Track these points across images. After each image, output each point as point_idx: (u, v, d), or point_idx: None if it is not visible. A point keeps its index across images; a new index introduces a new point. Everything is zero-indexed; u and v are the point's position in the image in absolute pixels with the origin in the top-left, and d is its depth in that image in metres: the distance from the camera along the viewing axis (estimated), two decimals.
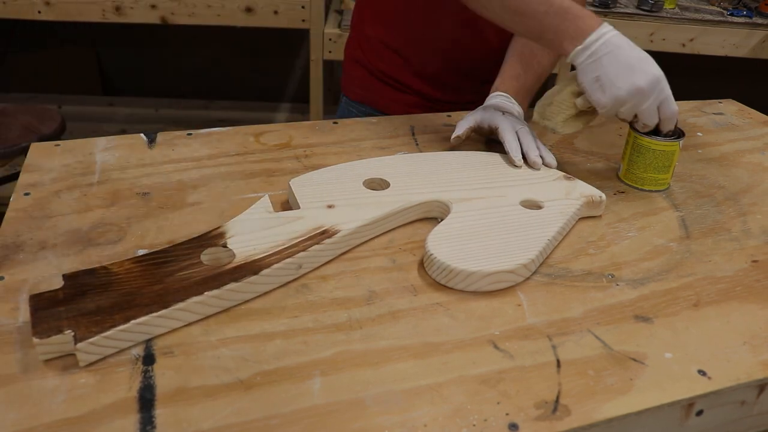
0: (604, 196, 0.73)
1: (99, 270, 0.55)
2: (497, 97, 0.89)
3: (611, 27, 0.73)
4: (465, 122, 0.85)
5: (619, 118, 0.74)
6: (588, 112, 0.77)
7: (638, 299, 0.60)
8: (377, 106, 1.09)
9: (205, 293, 0.53)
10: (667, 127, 0.76)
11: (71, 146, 0.82)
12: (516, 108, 0.88)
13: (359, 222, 0.65)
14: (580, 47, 0.71)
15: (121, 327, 0.50)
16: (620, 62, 0.70)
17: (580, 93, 0.75)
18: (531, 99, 0.93)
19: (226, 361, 0.50)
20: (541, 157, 0.79)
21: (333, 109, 2.71)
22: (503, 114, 0.84)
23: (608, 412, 0.48)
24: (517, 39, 0.96)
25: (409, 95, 1.06)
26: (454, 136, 0.84)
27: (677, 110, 0.73)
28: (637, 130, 0.78)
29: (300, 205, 0.67)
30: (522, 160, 0.79)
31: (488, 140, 0.88)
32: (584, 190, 0.74)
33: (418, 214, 0.71)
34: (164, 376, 0.48)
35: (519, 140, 0.80)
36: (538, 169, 0.78)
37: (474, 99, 1.02)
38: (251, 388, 0.48)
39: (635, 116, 0.73)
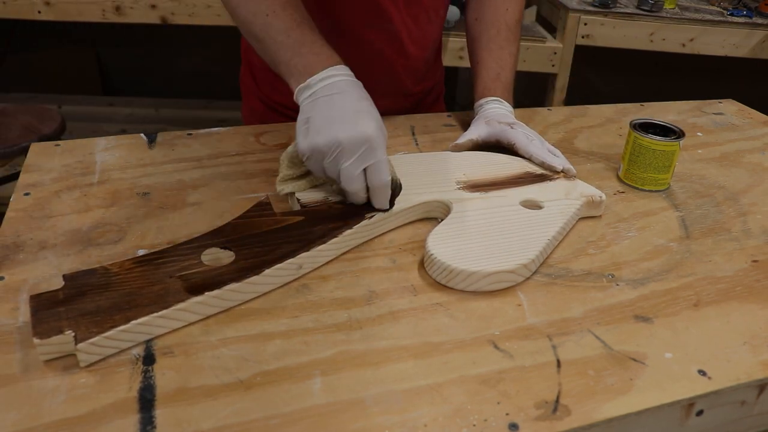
0: (604, 196, 0.73)
1: (99, 270, 0.55)
2: (490, 104, 0.88)
3: (347, 71, 0.66)
4: (469, 135, 0.84)
5: (327, 176, 0.64)
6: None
7: (638, 299, 0.60)
8: None
9: (206, 293, 0.53)
10: (378, 200, 0.64)
11: (71, 146, 0.82)
12: (509, 109, 0.88)
13: (359, 222, 0.65)
14: (303, 85, 0.65)
15: (122, 327, 0.50)
16: (334, 109, 0.62)
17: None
18: (513, 91, 0.93)
19: (226, 361, 0.50)
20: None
21: None
22: (511, 127, 0.82)
23: (608, 412, 0.48)
24: (479, 36, 0.93)
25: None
26: (453, 144, 0.84)
27: (388, 182, 0.63)
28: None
29: (300, 205, 0.67)
30: (573, 169, 0.77)
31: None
32: (584, 190, 0.74)
33: (418, 214, 0.71)
34: (164, 376, 0.48)
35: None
36: (575, 174, 0.77)
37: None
38: (251, 388, 0.48)
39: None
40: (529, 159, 0.80)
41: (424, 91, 1.04)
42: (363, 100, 0.64)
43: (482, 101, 0.89)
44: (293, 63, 0.66)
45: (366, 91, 0.66)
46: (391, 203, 0.66)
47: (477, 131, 0.84)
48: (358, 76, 0.91)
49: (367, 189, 0.64)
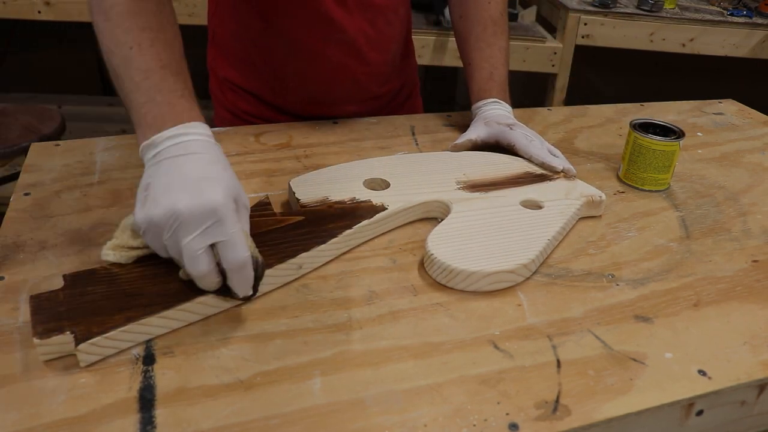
0: (604, 196, 0.73)
1: (99, 270, 0.55)
2: (488, 105, 0.87)
3: (204, 129, 0.56)
4: (468, 135, 0.84)
5: (173, 258, 0.54)
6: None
7: (638, 299, 0.60)
8: None
9: (206, 293, 0.53)
10: (237, 284, 0.52)
11: (71, 146, 0.82)
12: (507, 109, 0.88)
13: (359, 222, 0.65)
14: (147, 142, 0.55)
15: (122, 327, 0.50)
16: (178, 173, 0.52)
17: None
18: (508, 86, 0.92)
19: (226, 361, 0.50)
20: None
21: None
22: (510, 128, 0.82)
23: (608, 412, 0.48)
24: (467, 35, 0.92)
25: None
26: (452, 144, 0.84)
27: (246, 259, 0.51)
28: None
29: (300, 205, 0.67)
30: (573, 169, 0.77)
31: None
32: (584, 190, 0.74)
33: (418, 214, 0.71)
34: (164, 376, 0.48)
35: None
36: (575, 174, 0.77)
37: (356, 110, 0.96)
38: (251, 388, 0.48)
39: None
40: (528, 160, 0.80)
41: (391, 92, 1.02)
42: (214, 164, 0.54)
43: (480, 103, 0.89)
44: (144, 111, 0.56)
45: (222, 153, 0.57)
46: (255, 288, 0.53)
47: (476, 132, 0.84)
48: (319, 88, 0.91)
49: (222, 272, 0.52)
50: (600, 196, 0.73)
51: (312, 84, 0.91)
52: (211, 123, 1.06)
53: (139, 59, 0.56)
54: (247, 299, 0.54)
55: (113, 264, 0.56)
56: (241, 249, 0.51)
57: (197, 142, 0.55)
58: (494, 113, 0.86)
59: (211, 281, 0.52)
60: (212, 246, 0.51)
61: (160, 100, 0.55)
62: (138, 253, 0.56)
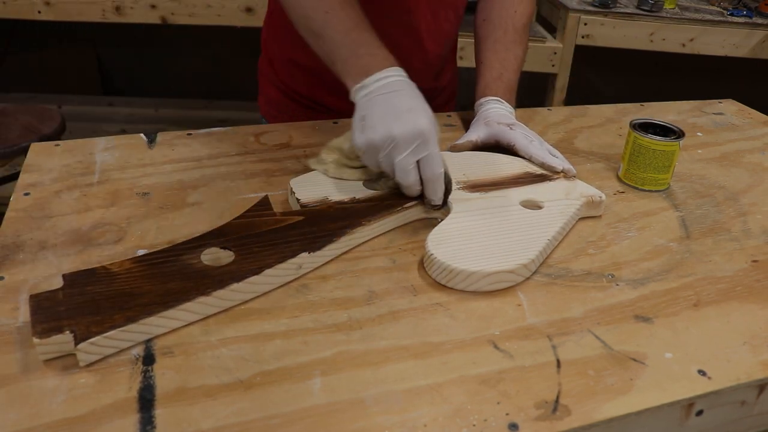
0: (604, 196, 0.73)
1: (99, 270, 0.55)
2: (490, 104, 0.87)
3: (402, 72, 0.68)
4: (468, 136, 0.84)
5: (383, 170, 0.67)
6: (357, 165, 0.72)
7: (638, 299, 0.60)
8: None
9: (206, 293, 0.53)
10: (432, 192, 0.66)
11: (71, 146, 0.82)
12: (508, 108, 0.88)
13: (359, 222, 0.65)
14: (359, 85, 0.67)
15: (121, 327, 0.50)
16: (389, 106, 0.65)
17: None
18: (516, 93, 0.92)
19: (226, 361, 0.50)
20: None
21: None
22: (510, 128, 0.82)
23: (608, 412, 0.48)
24: (486, 37, 0.93)
25: (326, 115, 0.99)
26: (452, 145, 0.83)
27: (441, 173, 0.65)
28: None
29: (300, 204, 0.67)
30: (573, 169, 0.77)
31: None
32: (584, 190, 0.74)
33: (418, 215, 0.71)
34: (164, 376, 0.48)
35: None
36: (575, 175, 0.77)
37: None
38: (251, 388, 0.48)
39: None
40: (528, 159, 0.80)
41: (437, 88, 1.04)
42: (416, 98, 0.67)
43: (482, 100, 0.89)
44: (350, 63, 0.69)
45: (418, 90, 0.68)
46: (444, 199, 0.67)
47: (476, 132, 0.84)
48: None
49: (421, 182, 0.66)
50: (600, 197, 0.73)
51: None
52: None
53: (336, 21, 0.69)
54: (438, 207, 0.68)
55: (113, 263, 0.56)
56: (438, 165, 0.64)
57: (399, 81, 0.67)
58: (495, 112, 0.86)
59: (416, 190, 0.66)
60: (417, 161, 0.64)
61: (362, 52, 0.68)
62: (353, 169, 0.71)
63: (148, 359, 0.50)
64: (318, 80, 0.97)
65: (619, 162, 0.85)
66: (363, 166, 0.71)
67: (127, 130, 2.45)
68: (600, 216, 0.74)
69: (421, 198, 0.68)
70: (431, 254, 0.60)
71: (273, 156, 0.83)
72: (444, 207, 0.68)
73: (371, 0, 0.85)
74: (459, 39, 1.07)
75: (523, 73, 0.96)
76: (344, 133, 0.74)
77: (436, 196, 0.66)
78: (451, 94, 1.11)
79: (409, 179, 0.65)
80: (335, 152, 0.73)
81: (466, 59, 1.62)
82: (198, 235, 0.62)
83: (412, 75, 0.94)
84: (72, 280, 0.54)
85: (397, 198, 0.69)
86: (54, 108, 1.85)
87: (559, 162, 0.78)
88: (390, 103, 0.65)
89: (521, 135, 0.81)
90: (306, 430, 0.45)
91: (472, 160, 0.80)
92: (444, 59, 1.00)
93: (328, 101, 0.99)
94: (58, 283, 0.55)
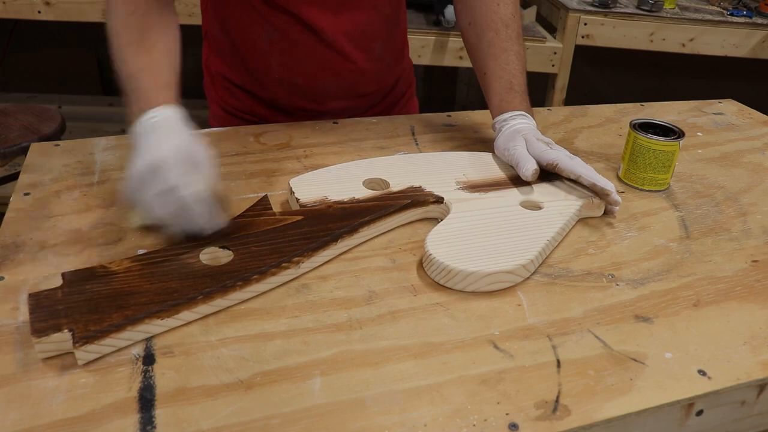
0: (613, 187, 0.73)
1: (98, 269, 0.55)
2: (516, 120, 0.80)
3: (168, 110, 0.65)
4: (526, 165, 0.74)
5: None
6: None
7: (638, 299, 0.60)
8: None
9: (205, 292, 0.53)
10: (193, 223, 0.60)
11: (71, 146, 0.82)
12: (532, 122, 0.81)
13: (359, 222, 0.65)
14: (130, 129, 0.66)
15: (120, 326, 0.50)
16: (151, 140, 0.62)
17: None
18: (527, 93, 0.86)
19: (226, 361, 0.50)
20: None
21: None
22: (550, 147, 0.76)
23: (608, 412, 0.48)
24: (478, 43, 0.86)
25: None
26: (531, 170, 0.73)
27: (193, 197, 0.59)
28: None
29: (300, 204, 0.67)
30: (618, 198, 0.72)
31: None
32: (584, 190, 0.74)
33: (418, 215, 0.71)
34: (164, 376, 0.48)
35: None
36: (618, 203, 0.72)
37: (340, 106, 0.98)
38: (251, 388, 0.48)
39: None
40: (576, 180, 0.73)
41: (382, 89, 1.01)
42: (170, 126, 0.64)
43: (504, 116, 0.81)
44: (133, 98, 0.68)
45: (180, 125, 0.65)
46: (222, 228, 0.61)
47: (523, 150, 0.76)
48: (303, 82, 0.92)
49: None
50: (610, 189, 0.72)
51: (297, 77, 0.92)
52: (207, 122, 1.07)
53: (123, 69, 0.70)
54: (221, 234, 0.61)
55: (112, 263, 0.56)
56: (189, 185, 0.59)
57: (171, 119, 0.65)
58: (524, 127, 0.80)
59: (177, 223, 0.60)
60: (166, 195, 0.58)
61: (136, 97, 0.67)
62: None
63: (148, 359, 0.50)
64: (252, 97, 0.97)
65: (619, 162, 0.85)
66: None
67: (126, 130, 2.44)
68: (600, 216, 0.74)
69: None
70: (430, 254, 0.60)
71: (273, 156, 0.83)
72: (226, 233, 0.61)
73: (285, 21, 0.85)
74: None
75: None
76: None
77: (198, 222, 0.60)
78: (407, 89, 1.07)
79: (157, 213, 0.59)
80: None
81: (466, 59, 1.62)
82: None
83: (343, 83, 0.94)
84: (71, 278, 0.54)
85: (397, 198, 0.69)
86: (54, 108, 1.85)
87: (611, 185, 0.71)
88: (154, 137, 0.63)
89: (564, 155, 0.74)
90: (306, 430, 0.45)
91: (472, 160, 0.80)
92: (379, 61, 0.95)
93: (266, 114, 0.98)
94: (57, 283, 0.55)
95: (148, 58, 0.70)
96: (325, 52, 0.89)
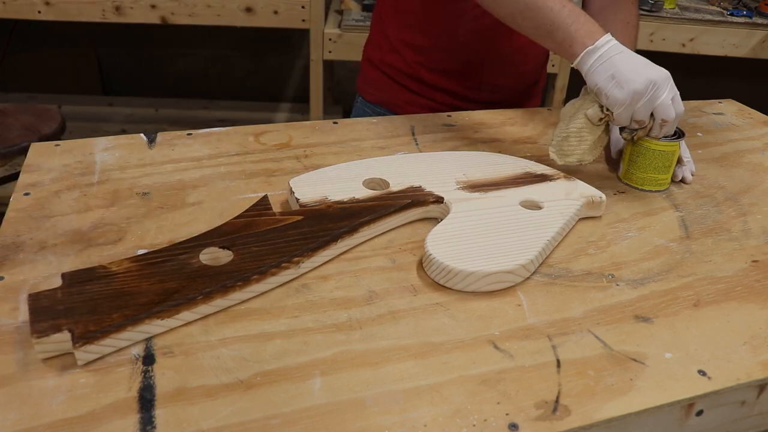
0: (604, 196, 0.73)
1: (98, 269, 0.55)
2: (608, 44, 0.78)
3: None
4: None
5: (635, 121, 0.73)
6: (602, 131, 0.77)
7: (638, 299, 0.60)
8: (392, 107, 1.09)
9: (204, 292, 0.53)
10: (671, 127, 0.75)
11: (71, 146, 0.82)
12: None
13: (359, 222, 0.65)
14: (591, 48, 0.72)
15: (120, 326, 0.50)
16: (632, 60, 0.71)
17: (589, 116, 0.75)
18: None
19: (226, 361, 0.50)
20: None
21: (333, 109, 2.70)
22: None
23: (608, 412, 0.48)
24: (588, 6, 0.98)
25: (424, 99, 1.06)
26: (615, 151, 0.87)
27: (682, 111, 0.73)
28: (649, 139, 0.77)
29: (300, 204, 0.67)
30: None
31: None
32: (584, 190, 0.74)
33: (418, 215, 0.71)
34: (164, 376, 0.48)
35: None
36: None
37: (492, 99, 1.04)
38: (251, 388, 0.48)
39: (651, 116, 0.73)
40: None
41: (531, 95, 1.09)
42: (640, 56, 0.74)
43: (599, 42, 0.78)
44: (574, 29, 0.74)
45: None
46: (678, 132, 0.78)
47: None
48: (484, 50, 1.01)
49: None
50: (600, 197, 0.73)
51: (459, 42, 0.98)
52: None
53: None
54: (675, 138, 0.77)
55: (112, 263, 0.56)
56: (680, 103, 0.73)
57: (619, 44, 0.73)
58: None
59: (671, 127, 0.74)
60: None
61: (584, 19, 0.74)
62: (594, 137, 0.76)
63: (148, 359, 0.50)
64: (426, 59, 1.03)
65: (619, 162, 0.85)
66: (601, 137, 0.77)
67: (127, 130, 2.45)
68: (600, 216, 0.74)
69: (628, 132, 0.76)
70: (430, 254, 0.60)
71: (273, 156, 0.83)
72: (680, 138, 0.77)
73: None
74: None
75: None
76: (559, 119, 0.79)
77: (673, 128, 0.75)
78: (539, 91, 1.16)
79: (671, 114, 0.72)
80: (582, 135, 0.76)
81: None
82: (197, 234, 0.62)
83: (517, 81, 1.04)
84: (71, 279, 0.54)
85: (397, 198, 0.69)
86: (54, 108, 1.86)
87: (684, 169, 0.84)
88: (630, 59, 0.72)
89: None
90: (306, 430, 0.45)
91: (472, 160, 0.80)
92: (540, 67, 1.08)
93: (431, 78, 1.04)
94: (57, 283, 0.55)
95: None
96: (495, 37, 0.97)
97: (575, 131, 0.76)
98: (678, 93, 0.72)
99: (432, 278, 0.61)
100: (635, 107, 0.72)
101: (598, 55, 0.72)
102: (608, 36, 0.73)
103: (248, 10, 1.93)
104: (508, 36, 0.97)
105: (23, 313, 0.53)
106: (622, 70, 0.71)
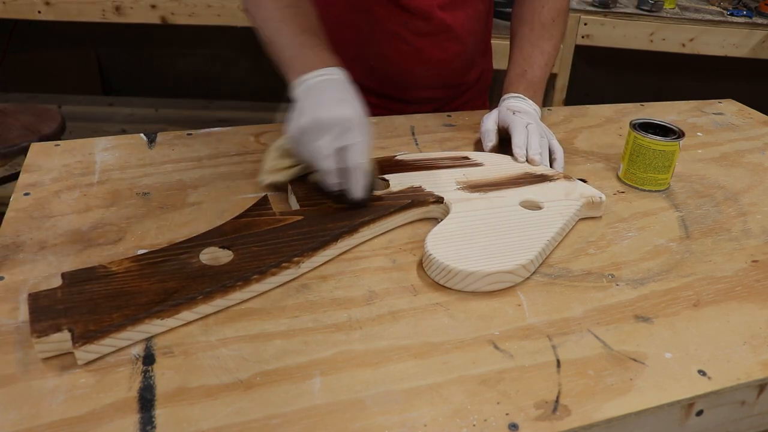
0: (604, 196, 0.73)
1: (98, 269, 0.55)
2: (509, 99, 0.89)
3: (340, 72, 0.70)
4: (489, 125, 0.86)
5: (309, 160, 0.67)
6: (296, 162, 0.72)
7: (638, 299, 0.60)
8: None
9: (204, 292, 0.53)
10: (352, 183, 0.65)
11: (71, 146, 0.82)
12: (530, 105, 0.88)
13: (359, 222, 0.65)
14: (299, 80, 0.70)
15: (120, 326, 0.50)
16: (322, 97, 0.67)
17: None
18: (544, 90, 0.94)
19: (226, 361, 0.50)
20: (551, 159, 0.81)
21: None
22: (514, 113, 0.84)
23: (608, 412, 0.48)
24: (514, 34, 0.95)
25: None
26: (489, 145, 0.84)
27: (362, 164, 0.64)
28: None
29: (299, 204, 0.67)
30: (524, 156, 0.80)
31: (505, 142, 0.87)
32: (584, 190, 0.74)
33: (418, 215, 0.71)
34: (164, 376, 0.48)
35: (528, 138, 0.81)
36: (536, 166, 0.79)
37: (418, 109, 1.02)
38: (251, 388, 0.48)
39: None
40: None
41: (466, 83, 1.06)
42: (349, 93, 0.68)
43: (504, 97, 0.90)
44: (294, 61, 0.72)
45: (353, 90, 0.69)
46: (366, 197, 0.66)
47: (492, 119, 0.86)
48: (396, 71, 0.97)
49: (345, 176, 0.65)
50: (600, 197, 0.73)
51: (390, 65, 0.96)
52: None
53: (285, 28, 0.74)
54: (359, 204, 0.66)
55: (112, 262, 0.56)
56: (360, 155, 0.64)
57: (336, 78, 0.69)
58: (509, 103, 0.88)
59: (333, 179, 0.65)
60: (339, 152, 0.64)
61: (307, 52, 0.72)
62: (289, 171, 0.71)
63: (148, 359, 0.50)
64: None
65: (619, 162, 0.85)
66: (293, 166, 0.72)
67: (127, 130, 2.45)
68: (600, 216, 0.74)
69: (339, 197, 0.67)
70: (430, 254, 0.60)
71: None
72: (364, 205, 0.67)
73: (384, 14, 0.90)
74: (492, 41, 1.08)
75: None
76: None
77: (356, 187, 0.65)
78: (483, 89, 1.13)
79: (325, 164, 0.64)
80: (273, 155, 0.73)
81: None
82: (197, 234, 0.62)
83: (433, 74, 0.98)
84: (71, 278, 0.54)
85: (397, 198, 0.69)
86: (54, 108, 1.85)
87: (522, 153, 0.80)
88: (323, 94, 0.67)
89: (519, 118, 0.82)
90: (306, 430, 0.45)
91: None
92: (469, 55, 1.02)
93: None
94: (57, 282, 0.55)
95: (309, 22, 0.75)
96: (420, 42, 0.93)
97: (272, 149, 0.73)
98: (356, 143, 0.63)
99: (432, 278, 0.61)
100: (305, 143, 0.65)
101: (303, 87, 0.69)
102: (325, 70, 0.69)
103: (248, 10, 1.93)
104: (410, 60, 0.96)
105: (23, 313, 0.53)
106: (306, 104, 0.66)
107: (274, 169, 0.72)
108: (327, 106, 0.65)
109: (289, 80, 0.72)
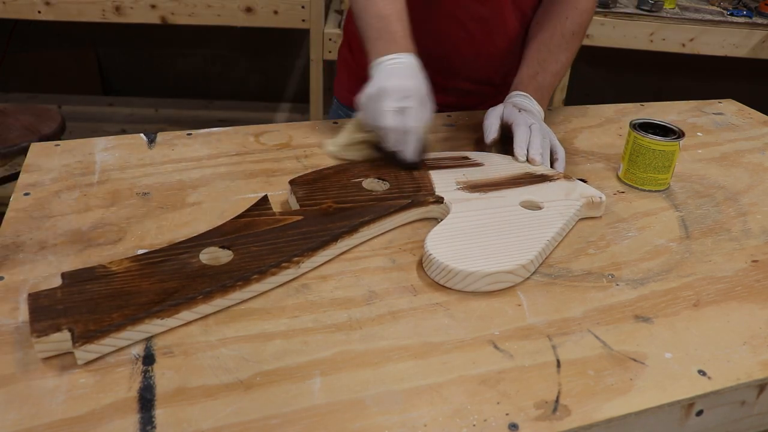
0: (604, 197, 0.73)
1: (98, 268, 0.55)
2: (516, 97, 0.89)
3: (412, 59, 0.77)
4: (492, 119, 0.86)
5: (373, 125, 0.75)
6: (370, 138, 0.79)
7: (638, 299, 0.60)
8: None
9: (204, 292, 0.53)
10: (404, 143, 0.74)
11: (71, 146, 0.82)
12: (535, 106, 0.88)
13: (358, 222, 0.65)
14: (377, 61, 0.77)
15: (120, 326, 0.50)
16: (391, 73, 0.75)
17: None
18: (550, 97, 0.94)
19: (226, 361, 0.50)
20: (553, 160, 0.81)
21: None
22: (520, 111, 0.84)
23: (608, 412, 0.48)
24: (533, 38, 0.96)
25: None
26: (491, 138, 0.84)
27: (416, 127, 0.73)
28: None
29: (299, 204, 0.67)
30: (524, 155, 0.80)
31: (506, 139, 0.87)
32: (584, 190, 0.74)
33: (418, 215, 0.71)
34: (164, 376, 0.48)
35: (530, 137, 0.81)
36: (536, 165, 0.79)
37: (458, 102, 1.03)
38: (251, 388, 0.48)
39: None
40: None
41: (507, 84, 1.05)
42: (417, 73, 0.76)
43: (512, 94, 0.90)
44: (375, 43, 0.79)
45: (422, 72, 0.77)
46: (418, 160, 0.75)
47: (495, 113, 0.86)
48: (445, 53, 0.99)
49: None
50: (600, 197, 0.73)
51: (441, 46, 0.97)
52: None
53: (373, 8, 0.80)
54: (411, 166, 0.75)
55: (112, 262, 0.56)
56: (416, 118, 0.72)
57: (408, 62, 0.77)
58: (515, 100, 0.88)
59: (392, 139, 0.73)
60: (398, 114, 0.72)
61: (388, 36, 0.78)
62: (360, 144, 0.80)
63: (148, 359, 0.50)
64: None
65: (619, 162, 0.85)
66: (367, 142, 0.79)
67: (127, 130, 2.45)
68: (600, 216, 0.74)
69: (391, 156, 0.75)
70: (430, 254, 0.60)
71: (273, 156, 0.83)
72: (416, 168, 0.75)
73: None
74: None
75: None
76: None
77: (407, 147, 0.73)
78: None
79: (385, 121, 0.72)
80: (348, 131, 0.81)
81: None
82: (197, 234, 0.62)
83: (477, 66, 1.01)
84: (71, 278, 0.54)
85: (397, 198, 0.69)
86: (54, 108, 1.85)
87: (523, 152, 0.80)
88: (393, 71, 0.75)
89: (523, 117, 0.83)
90: (306, 430, 0.45)
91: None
92: (512, 55, 1.02)
93: None
94: (57, 283, 0.54)
95: (397, 6, 0.80)
96: (474, 29, 0.95)
97: (347, 127, 0.82)
98: (414, 108, 0.73)
99: (432, 278, 0.61)
100: (370, 108, 0.74)
101: (378, 66, 0.76)
102: (400, 55, 0.76)
103: (248, 10, 1.93)
104: (471, 46, 0.98)
105: (23, 313, 0.53)
106: (377, 78, 0.75)
107: (343, 141, 0.81)
108: (393, 79, 0.74)
109: (368, 59, 0.79)
